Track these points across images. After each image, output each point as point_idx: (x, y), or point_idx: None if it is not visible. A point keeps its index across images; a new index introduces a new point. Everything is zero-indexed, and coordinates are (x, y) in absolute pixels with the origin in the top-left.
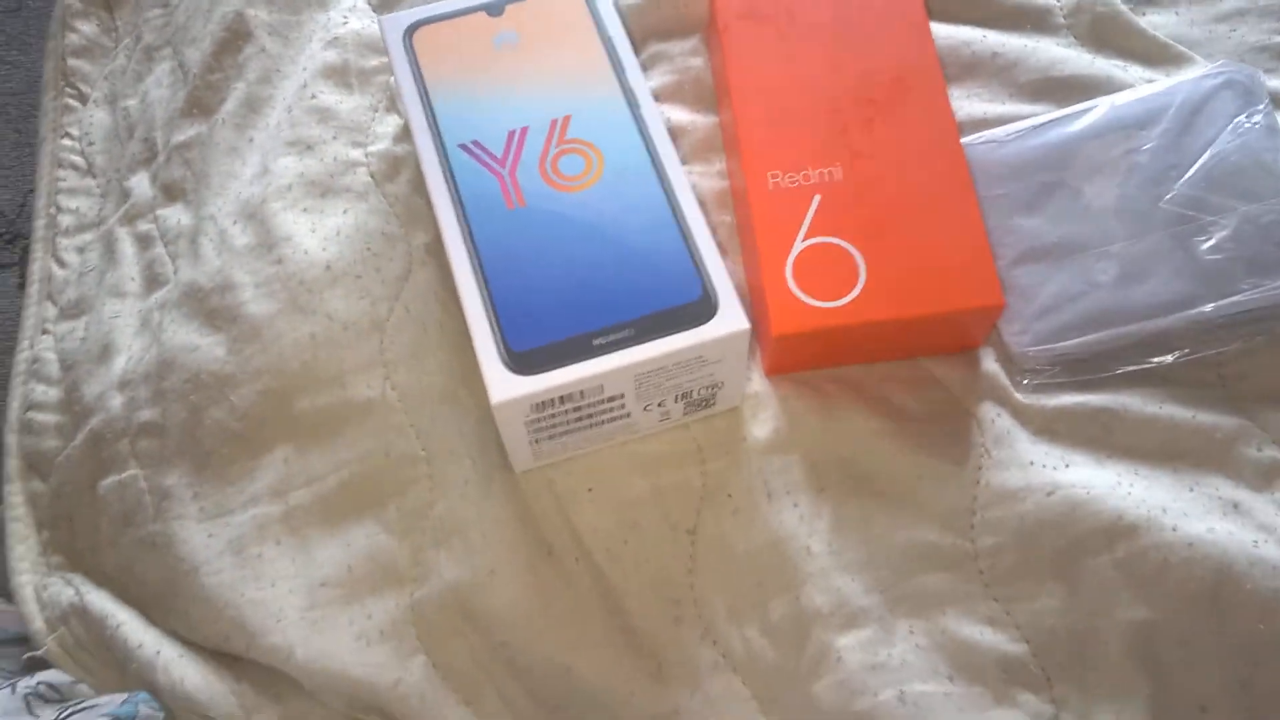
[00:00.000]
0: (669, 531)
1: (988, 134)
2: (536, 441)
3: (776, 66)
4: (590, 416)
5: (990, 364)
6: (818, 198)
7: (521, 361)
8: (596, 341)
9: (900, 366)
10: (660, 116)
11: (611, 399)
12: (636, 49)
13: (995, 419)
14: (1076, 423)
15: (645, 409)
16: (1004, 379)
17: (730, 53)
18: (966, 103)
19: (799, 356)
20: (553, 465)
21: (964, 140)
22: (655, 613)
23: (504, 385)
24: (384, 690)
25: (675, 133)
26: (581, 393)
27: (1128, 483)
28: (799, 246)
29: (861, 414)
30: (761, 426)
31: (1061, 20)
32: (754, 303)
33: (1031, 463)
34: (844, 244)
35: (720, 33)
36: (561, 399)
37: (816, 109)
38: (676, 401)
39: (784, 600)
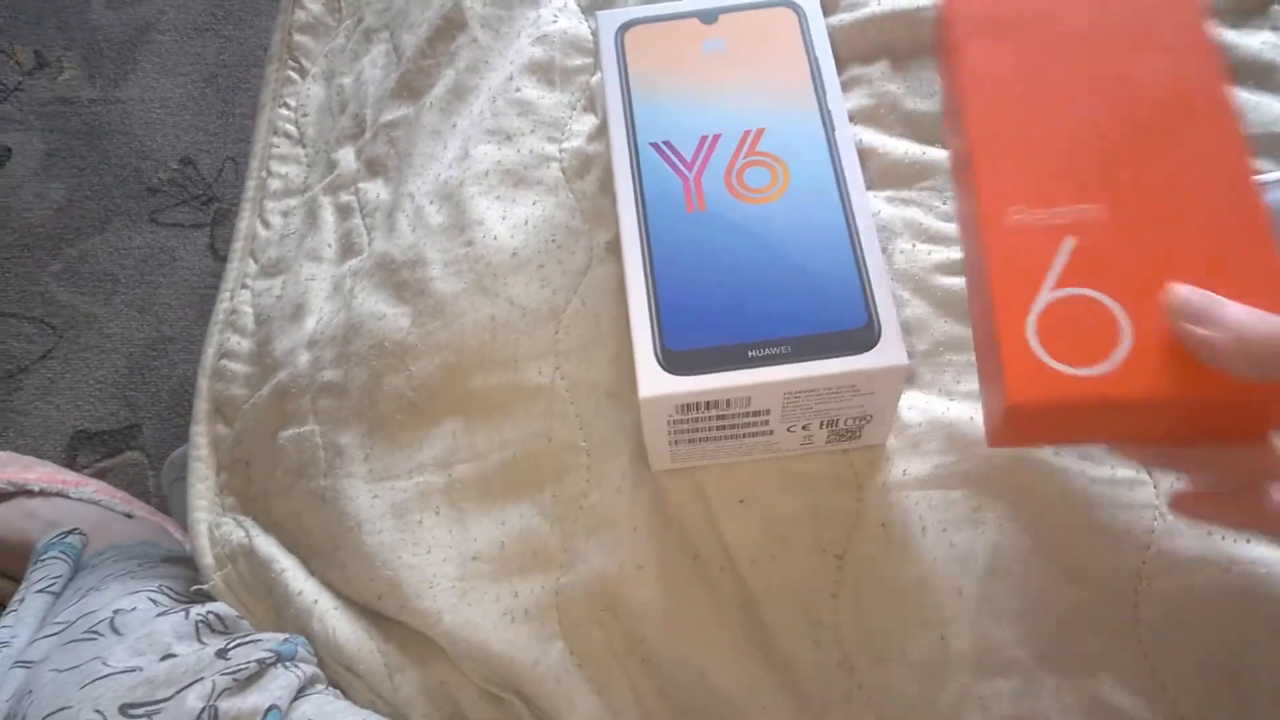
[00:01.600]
0: (817, 553)
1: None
2: (675, 443)
3: (1022, 83)
4: (733, 427)
5: None
6: (1071, 240)
7: (675, 361)
8: (752, 353)
9: None
10: (853, 142)
11: (756, 413)
12: (839, 69)
13: (1176, 479)
14: None
15: (789, 429)
16: None
17: (965, 67)
18: None
19: (1034, 431)
20: (705, 471)
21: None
22: (794, 631)
23: (654, 381)
24: (522, 669)
25: (865, 155)
26: (728, 401)
27: None
28: (1045, 298)
29: (1032, 451)
30: (924, 462)
31: None
32: (982, 363)
33: (1210, 532)
34: (1103, 298)
35: (953, 47)
36: (707, 404)
37: (1072, 133)
38: (822, 428)
39: (928, 638)
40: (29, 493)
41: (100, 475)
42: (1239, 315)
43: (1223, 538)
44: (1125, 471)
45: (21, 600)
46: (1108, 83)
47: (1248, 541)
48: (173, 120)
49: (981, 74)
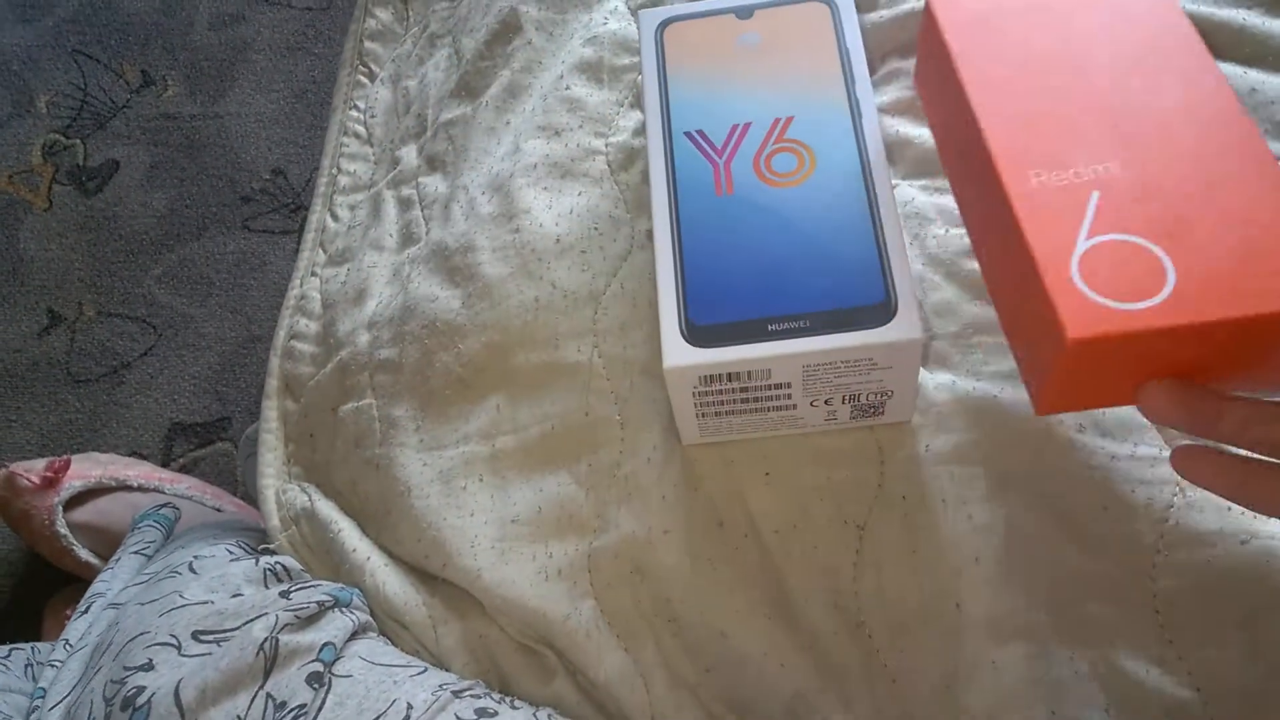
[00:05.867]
0: (839, 523)
1: None
2: (702, 416)
3: (1016, 61)
4: (756, 400)
5: None
6: (1096, 193)
7: (698, 334)
8: (772, 327)
9: None
10: (879, 130)
11: (778, 386)
12: (874, 65)
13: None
14: None
15: (811, 404)
16: None
17: (962, 60)
18: None
19: (1089, 383)
20: (733, 446)
21: None
22: (815, 597)
23: (678, 352)
24: (555, 622)
25: (898, 145)
26: (749, 373)
27: None
28: (1083, 246)
29: (1056, 429)
30: (948, 438)
31: None
32: (1019, 332)
33: (1229, 508)
34: (1140, 240)
35: (942, 30)
36: (729, 376)
37: (1073, 100)
38: (844, 403)
39: (945, 604)
40: (129, 488)
41: (193, 464)
42: None
43: (1242, 513)
44: (1147, 449)
45: (118, 560)
46: (1092, 50)
47: (1268, 530)
48: (265, 134)
49: (974, 51)
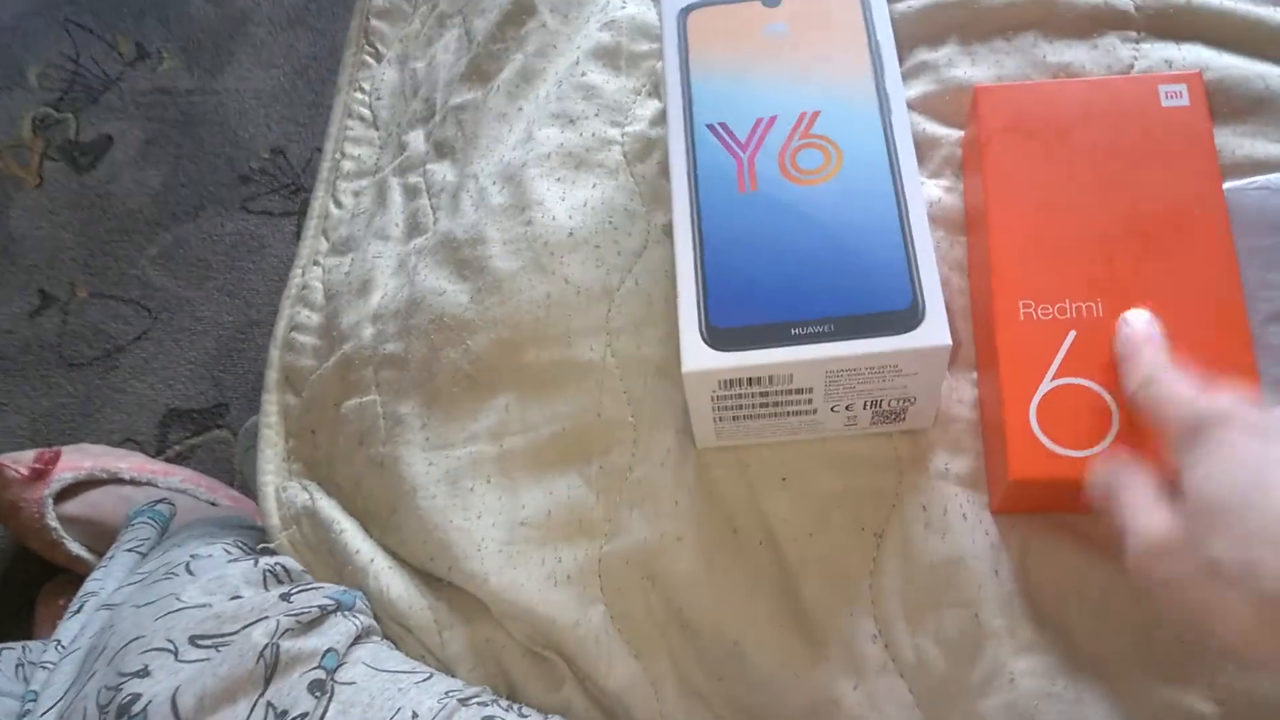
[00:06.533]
0: (856, 531)
1: (1262, 180)
2: (720, 420)
3: (1041, 187)
4: (776, 405)
5: None
6: (1073, 334)
7: (719, 337)
8: (795, 331)
9: None
10: (909, 126)
11: (799, 391)
12: (902, 56)
13: None
14: None
15: (832, 409)
16: None
17: (991, 167)
18: (1248, 141)
19: (1032, 501)
20: (749, 450)
21: (1236, 184)
22: (830, 605)
23: (697, 356)
24: (564, 629)
25: (925, 144)
26: (770, 378)
27: None
28: (1047, 386)
29: None
30: (965, 460)
31: None
32: (988, 437)
33: None
34: (1097, 388)
35: (982, 145)
36: (750, 380)
37: (1082, 237)
38: (865, 408)
39: (962, 615)
40: (120, 481)
41: (189, 451)
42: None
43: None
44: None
45: (111, 557)
46: (1116, 192)
47: None
48: (265, 111)
49: (1004, 176)
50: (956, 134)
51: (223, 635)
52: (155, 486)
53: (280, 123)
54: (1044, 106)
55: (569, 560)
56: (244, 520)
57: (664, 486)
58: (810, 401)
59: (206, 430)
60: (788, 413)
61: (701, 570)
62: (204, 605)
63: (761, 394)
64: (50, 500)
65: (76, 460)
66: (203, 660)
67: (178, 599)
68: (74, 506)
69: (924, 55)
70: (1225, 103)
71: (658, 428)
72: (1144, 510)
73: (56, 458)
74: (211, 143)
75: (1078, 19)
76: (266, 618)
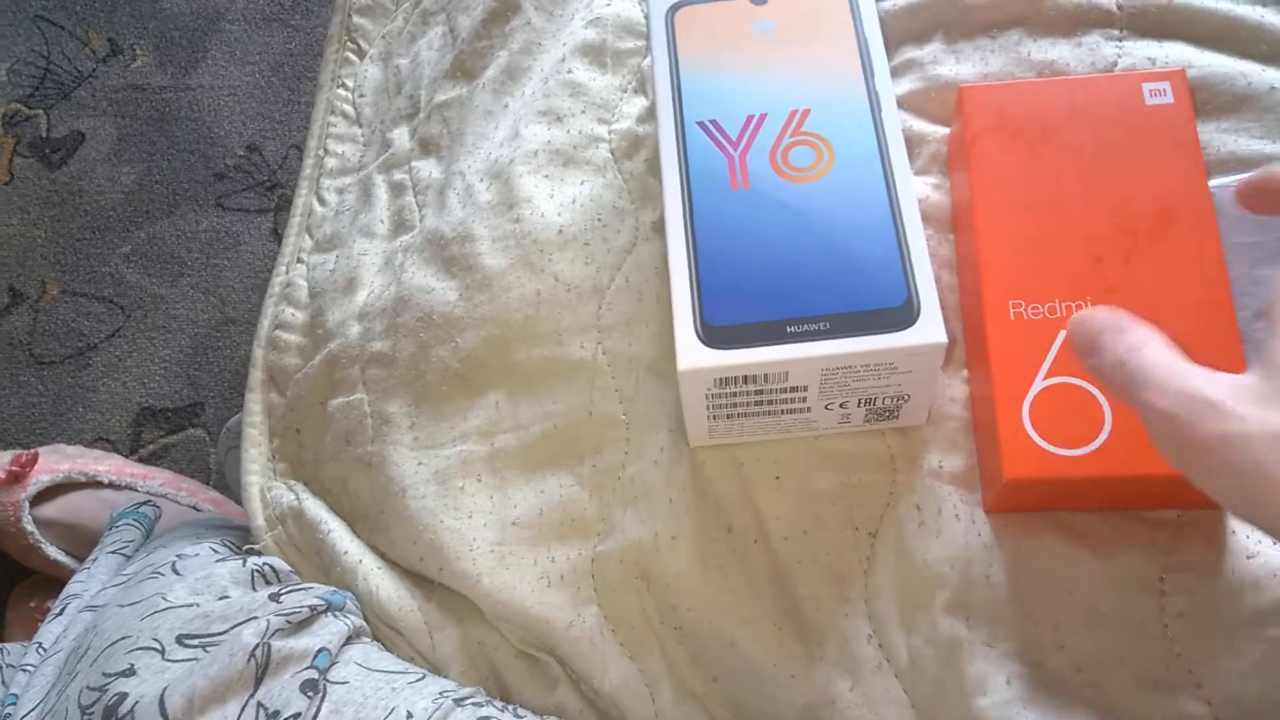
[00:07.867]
0: (850, 529)
1: (1246, 176)
2: (714, 418)
3: (1027, 186)
4: (770, 403)
5: None
6: (1063, 333)
7: (714, 335)
8: (790, 329)
9: None
10: (899, 123)
11: (794, 389)
12: (889, 53)
13: None
14: None
15: (826, 407)
16: None
17: (976, 167)
18: (1232, 138)
19: (1025, 500)
20: (742, 448)
21: (1222, 180)
22: (825, 604)
23: (692, 354)
24: (558, 630)
25: (911, 141)
26: (765, 376)
27: None
28: (1038, 386)
29: None
30: (958, 458)
31: None
32: (981, 437)
33: (1234, 531)
34: (1089, 387)
35: (967, 145)
36: (745, 379)
37: (1069, 236)
38: (859, 406)
39: (955, 618)
40: (99, 484)
41: (163, 451)
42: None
43: (1247, 536)
44: None
45: (95, 559)
46: (1102, 190)
47: (1274, 544)
48: (240, 108)
49: (990, 176)
50: (943, 131)
51: (211, 635)
52: (135, 490)
53: (256, 119)
54: (1028, 106)
55: (562, 560)
56: (229, 521)
57: (657, 485)
58: (805, 399)
59: (181, 429)
60: (782, 411)
61: (696, 570)
62: (191, 605)
63: (757, 392)
64: (27, 504)
65: (53, 462)
66: (190, 660)
67: (164, 598)
68: (51, 510)
69: (910, 53)
70: (1208, 100)
71: (650, 426)
72: (1194, 370)
73: (34, 460)
74: (186, 139)
75: (1061, 17)
76: (256, 617)
